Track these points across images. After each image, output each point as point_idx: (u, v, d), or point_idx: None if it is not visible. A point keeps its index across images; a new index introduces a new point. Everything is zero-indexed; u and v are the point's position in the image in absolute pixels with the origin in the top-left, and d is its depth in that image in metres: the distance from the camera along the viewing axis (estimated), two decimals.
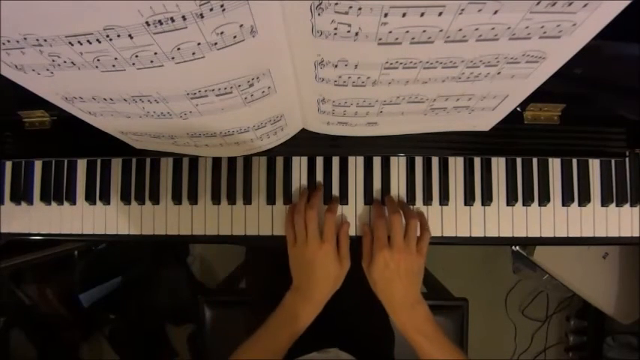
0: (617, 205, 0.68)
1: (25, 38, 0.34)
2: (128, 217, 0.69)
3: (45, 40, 0.34)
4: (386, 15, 0.33)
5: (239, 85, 0.43)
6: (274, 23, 0.36)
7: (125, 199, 0.69)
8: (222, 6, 0.32)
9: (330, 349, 0.68)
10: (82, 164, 0.71)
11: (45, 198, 0.70)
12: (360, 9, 0.32)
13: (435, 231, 0.67)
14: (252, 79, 0.43)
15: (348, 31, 0.35)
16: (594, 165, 0.68)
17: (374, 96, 0.47)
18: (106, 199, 0.70)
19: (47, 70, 0.38)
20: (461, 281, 1.29)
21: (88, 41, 0.34)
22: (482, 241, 0.68)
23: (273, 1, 0.33)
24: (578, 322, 1.49)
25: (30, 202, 0.71)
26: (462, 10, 0.32)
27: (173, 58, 0.36)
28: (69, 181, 0.70)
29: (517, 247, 1.26)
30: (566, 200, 0.67)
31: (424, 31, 0.35)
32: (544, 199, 0.67)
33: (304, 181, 0.68)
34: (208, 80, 0.41)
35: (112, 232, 0.70)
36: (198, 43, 0.35)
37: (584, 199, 0.67)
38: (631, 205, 0.68)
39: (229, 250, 1.51)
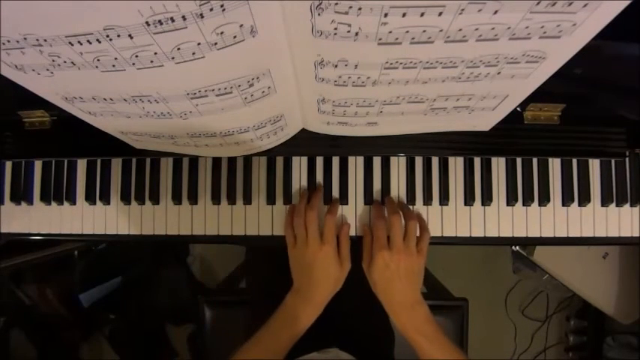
0: (617, 205, 0.68)
1: (25, 38, 0.34)
2: (128, 217, 0.69)
3: (45, 40, 0.34)
4: (386, 15, 0.33)
5: (239, 85, 0.43)
6: (274, 23, 0.36)
7: (125, 199, 0.69)
8: (222, 6, 0.32)
9: (330, 349, 0.68)
10: (82, 164, 0.71)
11: (45, 198, 0.70)
12: (360, 9, 0.32)
13: (435, 231, 0.67)
14: (252, 79, 0.43)
15: (348, 31, 0.35)
16: (594, 165, 0.68)
17: (374, 96, 0.47)
18: (106, 199, 0.70)
19: (47, 70, 0.38)
20: (461, 281, 1.29)
21: (88, 41, 0.34)
22: (482, 241, 0.68)
23: (273, 1, 0.33)
24: (578, 322, 1.49)
25: (30, 202, 0.71)
26: (462, 10, 0.32)
27: (173, 58, 0.36)
28: (69, 181, 0.70)
29: (517, 247, 1.26)
30: (566, 200, 0.67)
31: (424, 31, 0.35)
32: (544, 199, 0.67)
33: (304, 181, 0.68)
34: (208, 80, 0.41)
35: (112, 232, 0.70)
36: (199, 43, 0.35)
37: (584, 199, 0.67)
38: (631, 205, 0.68)
39: (229, 250, 1.51)
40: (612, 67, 0.55)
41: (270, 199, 0.68)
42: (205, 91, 0.42)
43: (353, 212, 0.68)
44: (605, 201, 0.67)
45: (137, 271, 1.48)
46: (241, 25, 0.34)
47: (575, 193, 0.68)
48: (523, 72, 0.43)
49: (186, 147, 0.58)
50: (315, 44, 0.38)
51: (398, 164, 0.68)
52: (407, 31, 0.35)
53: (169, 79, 0.40)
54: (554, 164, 0.68)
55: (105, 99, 0.44)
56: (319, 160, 0.69)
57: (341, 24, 0.34)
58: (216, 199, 0.68)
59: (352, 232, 0.67)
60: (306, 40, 0.37)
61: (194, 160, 0.69)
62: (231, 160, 0.69)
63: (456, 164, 0.68)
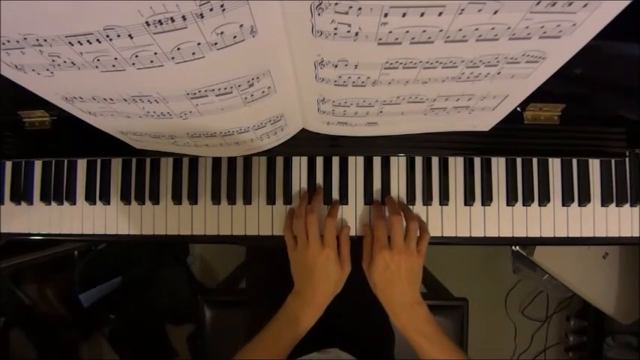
0: (617, 205, 0.68)
1: (25, 38, 0.34)
2: (128, 217, 0.69)
3: (45, 40, 0.34)
4: (386, 15, 0.33)
5: (239, 85, 0.43)
6: (274, 23, 0.36)
7: (125, 199, 0.69)
8: (222, 6, 0.32)
9: (331, 349, 0.68)
10: (82, 164, 0.71)
11: (45, 198, 0.70)
12: (360, 9, 0.32)
13: (435, 231, 0.67)
14: (252, 79, 0.43)
15: (348, 31, 0.35)
16: (594, 165, 0.68)
17: (374, 96, 0.47)
18: (106, 199, 0.70)
19: (47, 70, 0.38)
20: (461, 281, 1.29)
21: (88, 41, 0.34)
22: (482, 241, 0.68)
23: (273, 1, 0.33)
24: (578, 322, 1.49)
25: (30, 202, 0.71)
26: (462, 10, 0.32)
27: (173, 58, 0.36)
28: (69, 181, 0.70)
29: (517, 247, 1.26)
30: (566, 200, 0.67)
31: (424, 31, 0.35)
32: (544, 199, 0.67)
33: (304, 181, 0.68)
34: (208, 80, 0.41)
35: (112, 232, 0.70)
36: (199, 43, 0.35)
37: (584, 199, 0.67)
38: (631, 205, 0.68)
39: (229, 250, 1.51)
40: (612, 67, 0.55)
41: (270, 199, 0.68)
42: (205, 91, 0.42)
43: (353, 212, 0.68)
44: (605, 201, 0.67)
45: (137, 271, 1.48)
46: (241, 25, 0.34)
47: (575, 193, 0.68)
48: (523, 72, 0.43)
49: (186, 147, 0.58)
50: (315, 44, 0.38)
51: (398, 164, 0.68)
52: (407, 31, 0.35)
53: (169, 79, 0.40)
54: (554, 164, 0.68)
55: (105, 99, 0.44)
56: (319, 160, 0.69)
57: (341, 24, 0.34)
58: (216, 199, 0.68)
59: (352, 233, 0.67)
60: (306, 40, 0.37)
61: (194, 160, 0.69)
62: (231, 160, 0.69)
63: (456, 164, 0.68)
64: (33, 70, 0.39)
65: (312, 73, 0.43)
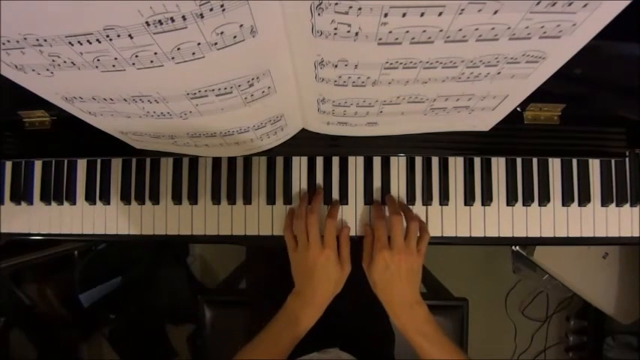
0: (617, 205, 0.68)
1: (25, 38, 0.34)
2: (128, 217, 0.69)
3: (45, 40, 0.34)
4: (386, 15, 0.33)
5: (239, 85, 0.43)
6: (274, 23, 0.36)
7: (125, 199, 0.69)
8: (222, 6, 0.32)
9: (331, 349, 0.69)
10: (82, 164, 0.71)
11: (45, 198, 0.70)
12: (360, 9, 0.32)
13: (435, 231, 0.67)
14: (252, 79, 0.43)
15: (348, 31, 0.35)
16: (594, 165, 0.68)
17: (374, 96, 0.47)
18: (106, 199, 0.70)
19: (47, 70, 0.38)
20: (461, 281, 1.29)
21: (88, 41, 0.34)
22: (482, 241, 0.68)
23: (273, 1, 0.33)
24: (578, 322, 1.49)
25: (30, 202, 0.71)
26: (462, 10, 0.32)
27: (173, 58, 0.36)
28: (69, 181, 0.70)
29: (517, 247, 1.26)
30: (566, 200, 0.67)
31: (424, 31, 0.35)
32: (544, 199, 0.67)
33: (304, 181, 0.68)
34: (208, 80, 0.41)
35: (112, 232, 0.70)
36: (199, 43, 0.35)
37: (584, 199, 0.67)
38: (631, 205, 0.68)
39: (229, 250, 1.51)
40: (612, 67, 0.55)
41: (270, 199, 0.68)
42: (205, 91, 0.42)
43: (353, 212, 0.68)
44: (605, 201, 0.67)
45: (137, 271, 1.48)
46: (241, 25, 0.34)
47: (575, 193, 0.67)
48: (523, 72, 0.43)
49: (186, 147, 0.58)
50: (315, 44, 0.38)
51: (398, 164, 0.68)
52: (407, 31, 0.35)
53: (169, 79, 0.40)
54: (554, 164, 0.68)
55: (105, 99, 0.44)
56: (319, 160, 0.69)
57: (341, 24, 0.34)
58: (216, 199, 0.68)
59: (352, 233, 0.67)
60: (306, 40, 0.37)
61: (194, 160, 0.69)
62: (231, 160, 0.69)
63: (456, 164, 0.68)
64: (33, 70, 0.39)
65: (312, 73, 0.43)
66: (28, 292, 1.36)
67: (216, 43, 0.35)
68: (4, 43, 0.35)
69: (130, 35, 0.33)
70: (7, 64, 0.38)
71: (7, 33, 0.33)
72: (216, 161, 0.69)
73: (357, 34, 0.35)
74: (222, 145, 0.57)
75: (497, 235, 0.68)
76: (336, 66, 0.41)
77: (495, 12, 0.33)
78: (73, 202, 0.70)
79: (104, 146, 0.61)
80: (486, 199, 0.67)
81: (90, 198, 0.70)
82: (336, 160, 0.68)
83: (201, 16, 0.32)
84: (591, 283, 1.13)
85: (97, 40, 0.33)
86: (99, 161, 0.70)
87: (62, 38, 0.33)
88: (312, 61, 0.41)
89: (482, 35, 0.36)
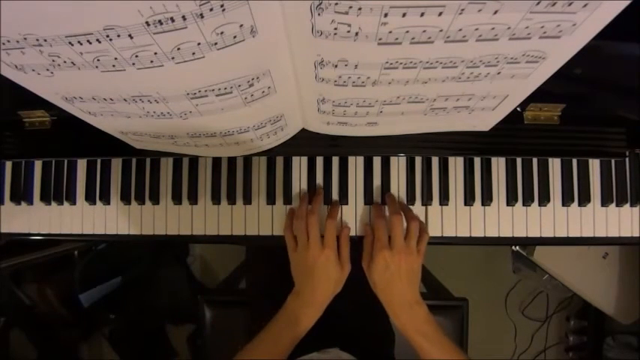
0: (617, 205, 0.68)
1: (25, 38, 0.34)
2: (128, 217, 0.69)
3: (45, 40, 0.34)
4: (386, 15, 0.33)
5: (239, 85, 0.43)
6: (274, 23, 0.36)
7: (125, 199, 0.69)
8: (222, 6, 0.32)
9: (331, 349, 0.69)
10: (82, 164, 0.71)
11: (45, 198, 0.70)
12: (360, 9, 0.32)
13: (435, 231, 0.67)
14: (252, 79, 0.43)
15: (348, 31, 0.35)
16: (594, 165, 0.68)
17: (374, 96, 0.47)
18: (106, 199, 0.70)
19: (47, 70, 0.38)
20: (461, 281, 1.29)
21: (88, 41, 0.34)
22: (482, 241, 0.68)
23: (273, 1, 0.33)
24: (578, 322, 1.49)
25: (30, 202, 0.71)
26: (462, 10, 0.32)
27: (173, 58, 0.36)
28: (69, 181, 0.70)
29: (517, 247, 1.26)
30: (566, 200, 0.67)
31: (424, 31, 0.35)
32: (544, 199, 0.67)
33: (304, 181, 0.68)
34: (208, 80, 0.41)
35: (112, 232, 0.70)
36: (199, 43, 0.35)
37: (584, 199, 0.67)
38: (631, 205, 0.68)
39: (229, 250, 1.51)
40: (612, 67, 0.55)
41: (270, 199, 0.68)
42: (205, 91, 0.42)
43: (353, 212, 0.68)
44: (605, 201, 0.67)
45: (137, 271, 1.48)
46: (241, 25, 0.34)
47: (575, 193, 0.67)
48: (523, 72, 0.43)
49: (186, 147, 0.58)
50: (315, 44, 0.38)
51: (398, 164, 0.68)
52: (407, 31, 0.35)
53: (169, 79, 0.40)
54: (554, 164, 0.68)
55: (105, 99, 0.44)
56: (319, 160, 0.69)
57: (341, 24, 0.34)
58: (216, 199, 0.68)
59: (352, 233, 0.67)
60: (306, 40, 0.37)
61: (194, 160, 0.69)
62: (231, 160, 0.69)
63: (456, 164, 0.68)
64: (33, 70, 0.39)
65: (312, 73, 0.43)
66: (28, 292, 1.36)
67: (216, 43, 0.35)
68: (4, 43, 0.35)
69: (130, 35, 0.33)
70: (7, 64, 0.38)
71: (7, 33, 0.33)
72: (216, 161, 0.69)
73: (357, 34, 0.35)
74: (222, 145, 0.57)
75: (497, 235, 0.68)
76: (336, 66, 0.41)
77: (495, 12, 0.33)
78: (73, 202, 0.70)
79: (104, 146, 0.61)
80: (486, 199, 0.67)
81: (90, 198, 0.70)
82: (336, 160, 0.68)
83: (201, 16, 0.32)
84: (591, 283, 1.13)
85: (97, 40, 0.33)
86: (99, 161, 0.70)
87: (62, 38, 0.33)
88: (312, 61, 0.41)
89: (483, 35, 0.36)
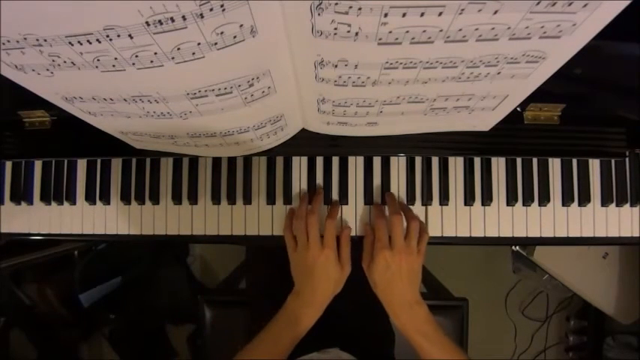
0: (617, 205, 0.68)
1: (25, 38, 0.34)
2: (128, 217, 0.69)
3: (45, 40, 0.34)
4: (386, 15, 0.33)
5: (239, 85, 0.43)
6: (274, 23, 0.36)
7: (125, 199, 0.69)
8: (222, 6, 0.32)
9: (331, 349, 0.69)
10: (82, 164, 0.71)
11: (45, 198, 0.70)
12: (360, 9, 0.32)
13: (435, 231, 0.67)
14: (252, 79, 0.43)
15: (348, 31, 0.35)
16: (594, 165, 0.68)
17: (374, 96, 0.47)
18: (106, 199, 0.70)
19: (47, 70, 0.38)
20: (461, 281, 1.29)
21: (88, 41, 0.34)
22: (482, 241, 0.68)
23: (273, 1, 0.33)
24: (578, 322, 1.49)
25: (30, 202, 0.71)
26: (462, 10, 0.32)
27: (173, 58, 0.36)
28: (69, 181, 0.70)
29: (517, 247, 1.26)
30: (566, 200, 0.67)
31: (424, 31, 0.35)
32: (544, 199, 0.67)
33: (304, 181, 0.68)
34: (208, 80, 0.41)
35: (112, 232, 0.70)
36: (199, 43, 0.35)
37: (584, 199, 0.67)
38: (631, 205, 0.68)
39: (229, 250, 1.51)
40: (612, 67, 0.55)
41: (270, 199, 0.68)
42: (205, 91, 0.42)
43: (353, 212, 0.68)
44: (605, 201, 0.67)
45: (137, 271, 1.48)
46: (241, 25, 0.34)
47: (575, 193, 0.67)
48: (523, 72, 0.43)
49: (186, 147, 0.58)
50: (315, 44, 0.38)
51: (398, 164, 0.68)
52: (407, 31, 0.35)
53: (169, 79, 0.40)
54: (554, 164, 0.68)
55: (105, 99, 0.44)
56: (319, 160, 0.69)
57: (341, 24, 0.34)
58: (216, 199, 0.68)
59: (352, 233, 0.67)
60: (306, 40, 0.37)
61: (194, 160, 0.69)
62: (231, 160, 0.69)
63: (456, 164, 0.68)
64: (33, 70, 0.39)
65: (312, 73, 0.43)
66: (28, 292, 1.36)
67: (216, 43, 0.35)
68: (4, 43, 0.35)
69: (130, 35, 0.33)
70: (7, 64, 0.38)
71: (7, 33, 0.33)
72: (216, 161, 0.69)
73: (357, 34, 0.35)
74: (222, 145, 0.57)
75: (497, 235, 0.68)
76: (336, 66, 0.41)
77: (495, 12, 0.33)
78: (73, 202, 0.70)
79: (104, 146, 0.61)
80: (486, 199, 0.67)
81: (90, 198, 0.70)
82: (336, 160, 0.68)
83: (201, 16, 0.32)
84: (591, 283, 1.13)
85: (97, 40, 0.33)
86: (99, 161, 0.70)
87: (62, 38, 0.33)
88: (312, 61, 0.41)
89: (483, 35, 0.36)
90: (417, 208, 0.68)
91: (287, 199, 0.68)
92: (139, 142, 0.59)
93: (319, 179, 0.68)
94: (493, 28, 0.35)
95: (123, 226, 0.70)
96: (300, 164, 0.69)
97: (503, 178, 0.68)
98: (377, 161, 0.68)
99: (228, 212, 0.68)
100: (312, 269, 0.61)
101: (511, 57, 0.40)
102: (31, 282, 1.37)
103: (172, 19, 0.32)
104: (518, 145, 0.64)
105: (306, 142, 0.62)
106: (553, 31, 0.36)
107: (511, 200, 0.67)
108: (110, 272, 1.44)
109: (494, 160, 0.68)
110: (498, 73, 0.43)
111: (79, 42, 0.34)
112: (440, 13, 0.33)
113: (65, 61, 0.37)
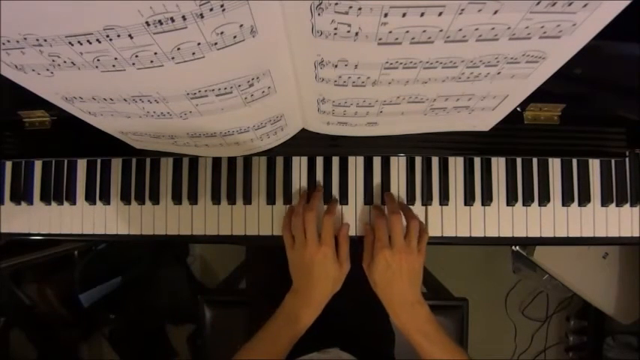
0: (617, 205, 0.68)
1: (25, 38, 0.34)
2: (128, 217, 0.69)
3: (45, 40, 0.34)
4: (386, 15, 0.33)
5: (239, 85, 0.43)
6: (274, 23, 0.36)
7: (125, 199, 0.69)
8: (222, 6, 0.32)
9: (331, 349, 0.69)
10: (82, 164, 0.71)
11: (45, 198, 0.70)
12: (360, 9, 0.32)
13: (435, 231, 0.67)
14: (252, 79, 0.43)
15: (348, 31, 0.35)
16: (594, 165, 0.68)
17: (374, 96, 0.47)
18: (106, 199, 0.70)
19: (47, 70, 0.38)
20: (461, 281, 1.29)
21: (88, 41, 0.34)
22: (482, 241, 0.68)
23: (273, 1, 0.33)
24: (578, 322, 1.49)
25: (30, 202, 0.71)
26: (462, 10, 0.32)
27: (173, 58, 0.36)
28: (69, 181, 0.70)
29: (517, 247, 1.26)
30: (566, 200, 0.67)
31: (424, 31, 0.35)
32: (544, 199, 0.67)
33: (304, 181, 0.68)
34: (208, 80, 0.41)
35: (112, 232, 0.70)
36: (199, 43, 0.35)
37: (584, 199, 0.67)
38: (631, 205, 0.68)
39: (229, 250, 1.51)
40: (612, 67, 0.55)
41: (270, 199, 0.68)
42: (205, 91, 0.42)
43: (353, 212, 0.68)
44: (605, 201, 0.67)
45: (137, 271, 1.48)
46: (241, 25, 0.34)
47: (575, 193, 0.67)
48: (523, 72, 0.43)
49: (186, 147, 0.58)
50: (315, 44, 0.38)
51: (398, 164, 0.68)
52: (407, 31, 0.35)
53: (169, 79, 0.40)
54: (554, 164, 0.68)
55: (105, 99, 0.44)
56: (319, 160, 0.69)
57: (341, 24, 0.34)
58: (216, 199, 0.68)
59: (352, 232, 0.67)
60: (306, 40, 0.37)
61: (194, 160, 0.69)
62: (231, 160, 0.69)
63: (456, 164, 0.68)
64: (33, 70, 0.39)
65: (312, 73, 0.43)
66: (28, 292, 1.36)
67: (216, 43, 0.35)
68: (4, 43, 0.35)
69: (130, 35, 0.33)
70: (7, 64, 0.38)
71: (7, 33, 0.33)
72: (216, 161, 0.69)
73: (357, 34, 0.35)
74: (222, 145, 0.57)
75: (497, 235, 0.68)
76: (336, 66, 0.41)
77: (495, 12, 0.33)
78: (73, 202, 0.70)
79: (104, 146, 0.61)
80: (486, 199, 0.67)
81: (90, 198, 0.70)
82: (336, 160, 0.68)
83: (201, 16, 0.32)
84: (591, 283, 1.13)
85: (97, 40, 0.33)
86: (99, 161, 0.70)
87: (62, 38, 0.33)
88: (312, 61, 0.41)
89: (483, 35, 0.36)
90: (417, 208, 0.68)
91: (287, 199, 0.68)
92: (139, 142, 0.59)
93: (319, 179, 0.68)
94: (493, 28, 0.35)
95: (123, 226, 0.70)
96: (300, 164, 0.69)
97: (503, 178, 0.68)
98: (377, 161, 0.68)
99: (228, 212, 0.68)
100: (309, 267, 0.61)
101: (511, 57, 0.40)
102: (31, 282, 1.37)
103: (172, 19, 0.32)
104: (518, 145, 0.64)
105: (306, 142, 0.62)
106: (553, 31, 0.36)
107: (511, 200, 0.67)
108: (110, 272, 1.44)
109: (494, 160, 0.68)
110: (498, 73, 0.43)
111: (79, 42, 0.34)
112: (440, 13, 0.33)
113: (65, 61, 0.37)
